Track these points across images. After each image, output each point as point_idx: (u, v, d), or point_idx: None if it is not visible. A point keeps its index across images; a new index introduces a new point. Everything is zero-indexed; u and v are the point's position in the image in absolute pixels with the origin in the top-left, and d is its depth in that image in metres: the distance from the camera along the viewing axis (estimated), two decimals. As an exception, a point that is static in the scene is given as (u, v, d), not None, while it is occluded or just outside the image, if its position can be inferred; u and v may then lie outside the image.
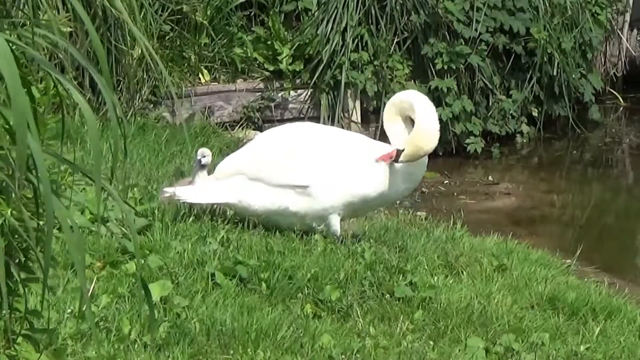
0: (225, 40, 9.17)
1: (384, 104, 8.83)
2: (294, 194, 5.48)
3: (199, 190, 5.54)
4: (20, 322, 2.64)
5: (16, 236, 2.49)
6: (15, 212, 2.43)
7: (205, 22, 8.98)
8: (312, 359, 4.31)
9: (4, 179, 2.17)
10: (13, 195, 2.43)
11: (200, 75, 9.03)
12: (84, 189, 4.34)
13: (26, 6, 2.24)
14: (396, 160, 5.43)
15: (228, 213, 5.60)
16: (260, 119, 9.13)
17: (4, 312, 2.54)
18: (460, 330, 4.79)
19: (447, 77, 9.42)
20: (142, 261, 4.71)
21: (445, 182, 9.02)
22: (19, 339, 2.62)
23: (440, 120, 9.35)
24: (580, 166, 9.90)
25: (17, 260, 2.54)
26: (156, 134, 7.67)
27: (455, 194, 8.76)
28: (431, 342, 4.64)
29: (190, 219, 5.40)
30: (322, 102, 9.26)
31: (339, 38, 9.23)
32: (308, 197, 5.49)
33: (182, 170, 6.49)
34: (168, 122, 8.49)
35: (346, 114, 9.26)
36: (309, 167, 5.47)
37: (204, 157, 5.65)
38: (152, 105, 8.55)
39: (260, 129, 8.92)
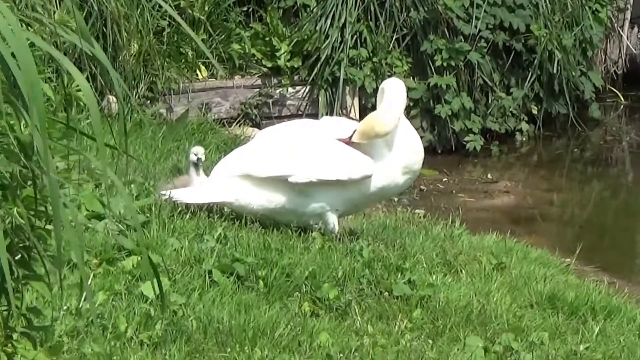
0: (223, 36, 9.14)
1: (383, 100, 8.84)
2: (290, 192, 5.45)
3: (195, 190, 5.52)
4: (18, 319, 2.63)
5: (18, 233, 2.48)
6: (17, 209, 2.42)
7: (203, 17, 8.94)
8: (310, 357, 4.29)
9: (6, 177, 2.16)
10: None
11: (197, 71, 8.99)
12: (80, 184, 4.31)
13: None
14: (350, 140, 5.45)
15: (225, 210, 5.57)
16: (258, 115, 9.10)
17: (3, 309, 2.53)
18: (459, 329, 4.76)
19: (446, 74, 9.38)
20: (139, 258, 4.68)
21: (444, 179, 9.00)
22: (17, 336, 2.61)
23: (440, 117, 9.46)
24: (580, 165, 9.87)
25: (17, 258, 2.53)
26: (153, 131, 7.64)
27: (454, 191, 8.73)
28: (430, 341, 4.62)
29: (187, 216, 5.37)
30: (320, 99, 9.23)
31: (338, 34, 9.20)
32: (305, 195, 5.46)
33: (179, 167, 6.46)
34: (165, 118, 8.45)
35: (344, 111, 9.23)
36: (304, 160, 5.45)
37: (200, 154, 5.63)
38: (148, 101, 8.52)
39: (258, 125, 8.89)
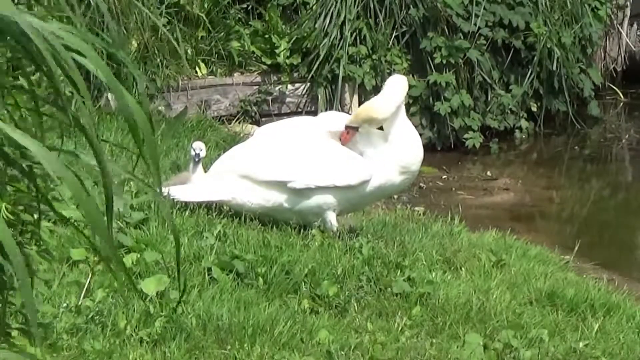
0: (222, 34, 9.13)
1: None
2: (288, 193, 5.46)
3: (193, 188, 5.52)
4: (15, 316, 2.62)
5: (10, 229, 2.47)
6: (9, 206, 2.40)
7: (202, 14, 8.94)
8: (309, 354, 4.29)
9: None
10: (8, 188, 2.40)
11: (197, 69, 8.99)
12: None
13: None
14: (348, 130, 5.49)
15: (224, 208, 5.57)
16: (258, 112, 9.10)
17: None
18: (458, 326, 4.76)
19: (445, 72, 9.38)
20: (138, 255, 4.68)
21: (444, 177, 8.99)
22: (14, 333, 2.60)
23: (439, 114, 9.45)
24: (580, 162, 9.86)
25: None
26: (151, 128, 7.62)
27: (453, 189, 8.73)
28: (429, 338, 4.62)
29: (187, 213, 5.36)
30: (319, 96, 9.22)
31: (337, 32, 9.20)
32: (302, 196, 5.46)
33: (179, 163, 6.46)
34: (164, 115, 8.45)
35: (344, 108, 9.23)
36: (302, 165, 5.46)
37: (201, 150, 5.63)
38: (147, 98, 8.51)
39: (257, 123, 8.88)
